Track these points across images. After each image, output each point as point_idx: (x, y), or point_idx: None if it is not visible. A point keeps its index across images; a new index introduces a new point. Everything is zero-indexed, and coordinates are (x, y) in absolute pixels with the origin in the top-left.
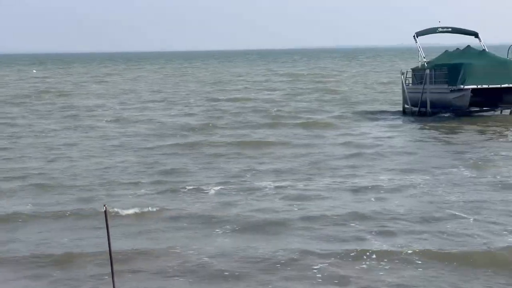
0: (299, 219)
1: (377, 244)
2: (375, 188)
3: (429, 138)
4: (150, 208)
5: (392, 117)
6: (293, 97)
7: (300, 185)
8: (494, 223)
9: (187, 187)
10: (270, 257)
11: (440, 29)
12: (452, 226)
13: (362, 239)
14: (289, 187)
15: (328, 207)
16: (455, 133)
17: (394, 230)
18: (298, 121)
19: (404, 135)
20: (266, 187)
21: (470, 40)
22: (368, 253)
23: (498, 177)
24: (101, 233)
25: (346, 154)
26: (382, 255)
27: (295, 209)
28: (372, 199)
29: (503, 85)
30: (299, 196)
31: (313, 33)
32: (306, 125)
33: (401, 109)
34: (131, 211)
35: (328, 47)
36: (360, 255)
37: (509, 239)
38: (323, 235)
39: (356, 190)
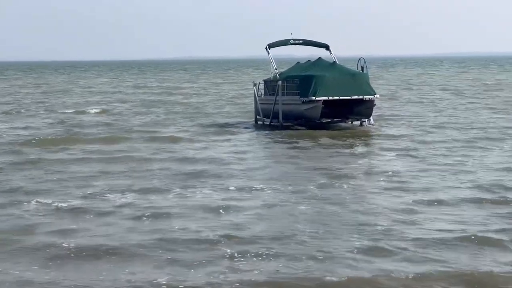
0: (144, 242)
1: (224, 268)
2: (224, 206)
3: (280, 150)
4: None
5: (244, 129)
6: (142, 109)
7: (148, 203)
8: (342, 239)
9: (25, 207)
10: None
11: (292, 41)
12: (302, 248)
13: (210, 264)
14: (135, 206)
15: (176, 228)
16: (306, 145)
17: (243, 252)
18: (146, 135)
19: (255, 148)
20: (109, 207)
21: (321, 52)
22: (215, 280)
23: (347, 188)
24: None
25: (195, 169)
26: (226, 282)
27: (141, 231)
28: (222, 217)
29: (353, 97)
30: (146, 216)
31: (166, 45)
32: (155, 139)
33: (253, 120)
34: None
35: (181, 59)
36: (206, 283)
37: (355, 259)
38: (170, 260)
39: (205, 208)
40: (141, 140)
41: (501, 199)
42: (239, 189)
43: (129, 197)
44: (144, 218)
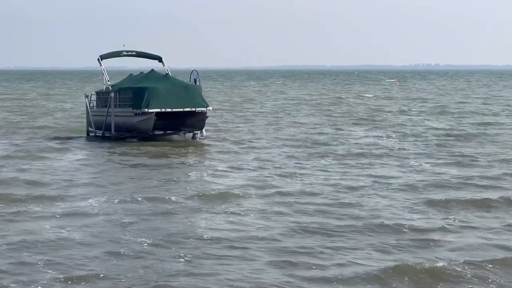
0: None
1: None
2: (51, 234)
3: (111, 163)
4: None
5: (75, 142)
6: None
7: None
8: (166, 262)
9: None
10: None
11: (125, 53)
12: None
13: None
14: None
15: None
16: (138, 157)
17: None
18: None
19: (84, 163)
20: None
21: (154, 64)
22: None
23: (174, 204)
24: None
25: (15, 193)
26: None
27: None
28: (48, 243)
29: (185, 109)
30: None
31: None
32: None
33: (85, 133)
34: None
35: (9, 69)
36: None
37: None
38: None
39: (29, 239)
40: None
41: (327, 225)
42: (64, 213)
43: None
44: None
